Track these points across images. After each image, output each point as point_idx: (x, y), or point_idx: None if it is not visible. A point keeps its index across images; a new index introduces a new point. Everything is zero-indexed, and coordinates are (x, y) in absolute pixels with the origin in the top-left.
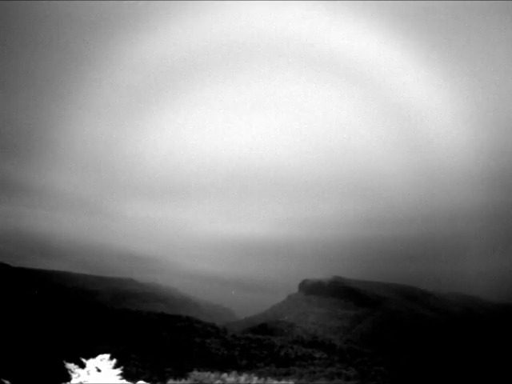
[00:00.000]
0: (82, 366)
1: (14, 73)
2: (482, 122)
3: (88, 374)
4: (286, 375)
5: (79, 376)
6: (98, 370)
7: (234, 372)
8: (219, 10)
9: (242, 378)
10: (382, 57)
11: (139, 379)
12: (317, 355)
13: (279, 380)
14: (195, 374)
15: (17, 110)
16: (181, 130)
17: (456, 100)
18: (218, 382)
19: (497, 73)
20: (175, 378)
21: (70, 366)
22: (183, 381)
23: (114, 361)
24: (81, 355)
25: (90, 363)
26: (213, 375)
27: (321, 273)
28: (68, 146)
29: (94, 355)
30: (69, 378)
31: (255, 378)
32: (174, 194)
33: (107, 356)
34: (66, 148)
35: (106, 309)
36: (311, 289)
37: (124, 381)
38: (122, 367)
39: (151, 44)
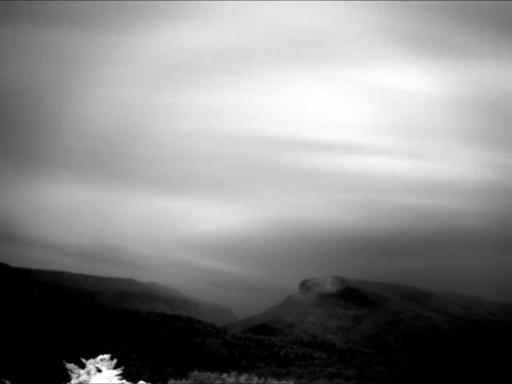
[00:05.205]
0: (82, 366)
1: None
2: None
3: (88, 374)
4: (286, 375)
5: (79, 376)
6: (98, 370)
7: (234, 372)
8: (217, 13)
9: (242, 378)
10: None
11: (139, 379)
12: (316, 355)
13: (279, 380)
14: (196, 374)
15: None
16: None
17: (454, 96)
18: (219, 381)
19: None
20: (176, 378)
21: (70, 366)
22: (184, 381)
23: (115, 361)
24: (81, 355)
25: (90, 363)
26: (213, 375)
27: (321, 273)
28: (65, 142)
29: (94, 355)
30: (68, 379)
31: (255, 378)
32: (174, 192)
33: (107, 356)
34: (63, 144)
35: (107, 309)
36: (311, 289)
37: (124, 381)
38: (122, 367)
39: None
